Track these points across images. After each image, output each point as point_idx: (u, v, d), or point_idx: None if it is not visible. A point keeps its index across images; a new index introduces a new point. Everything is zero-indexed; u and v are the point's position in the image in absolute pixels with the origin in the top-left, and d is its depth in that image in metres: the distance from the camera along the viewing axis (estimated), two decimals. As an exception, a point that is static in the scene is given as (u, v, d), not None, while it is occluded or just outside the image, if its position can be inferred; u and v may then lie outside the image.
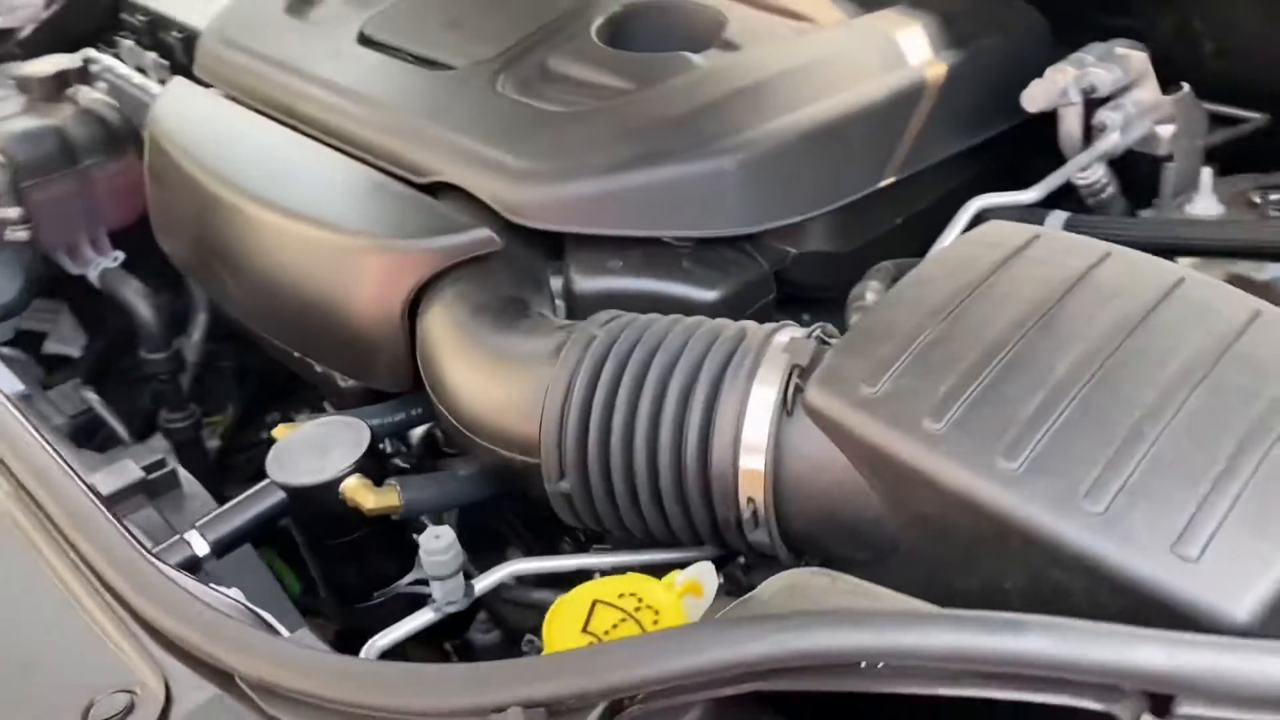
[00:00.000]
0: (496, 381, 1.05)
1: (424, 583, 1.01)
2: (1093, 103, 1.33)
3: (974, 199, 1.25)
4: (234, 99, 1.50)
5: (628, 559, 1.07)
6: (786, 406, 0.90)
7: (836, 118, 1.23)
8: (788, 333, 0.96)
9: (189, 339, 1.77)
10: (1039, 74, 1.45)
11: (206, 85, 1.56)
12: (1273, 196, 1.27)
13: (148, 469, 1.26)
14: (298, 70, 1.46)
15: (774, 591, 0.78)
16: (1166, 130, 1.34)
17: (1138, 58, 1.33)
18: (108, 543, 0.90)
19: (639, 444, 0.95)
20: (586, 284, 1.18)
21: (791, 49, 1.32)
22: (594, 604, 0.82)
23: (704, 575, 0.86)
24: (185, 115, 1.49)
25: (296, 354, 1.33)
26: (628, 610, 0.81)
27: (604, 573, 1.06)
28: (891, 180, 1.28)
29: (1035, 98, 1.31)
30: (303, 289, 1.23)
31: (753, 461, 0.91)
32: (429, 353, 1.13)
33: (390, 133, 1.31)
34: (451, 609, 1.00)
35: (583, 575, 1.04)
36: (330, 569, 1.16)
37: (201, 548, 1.04)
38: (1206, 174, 1.27)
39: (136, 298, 1.69)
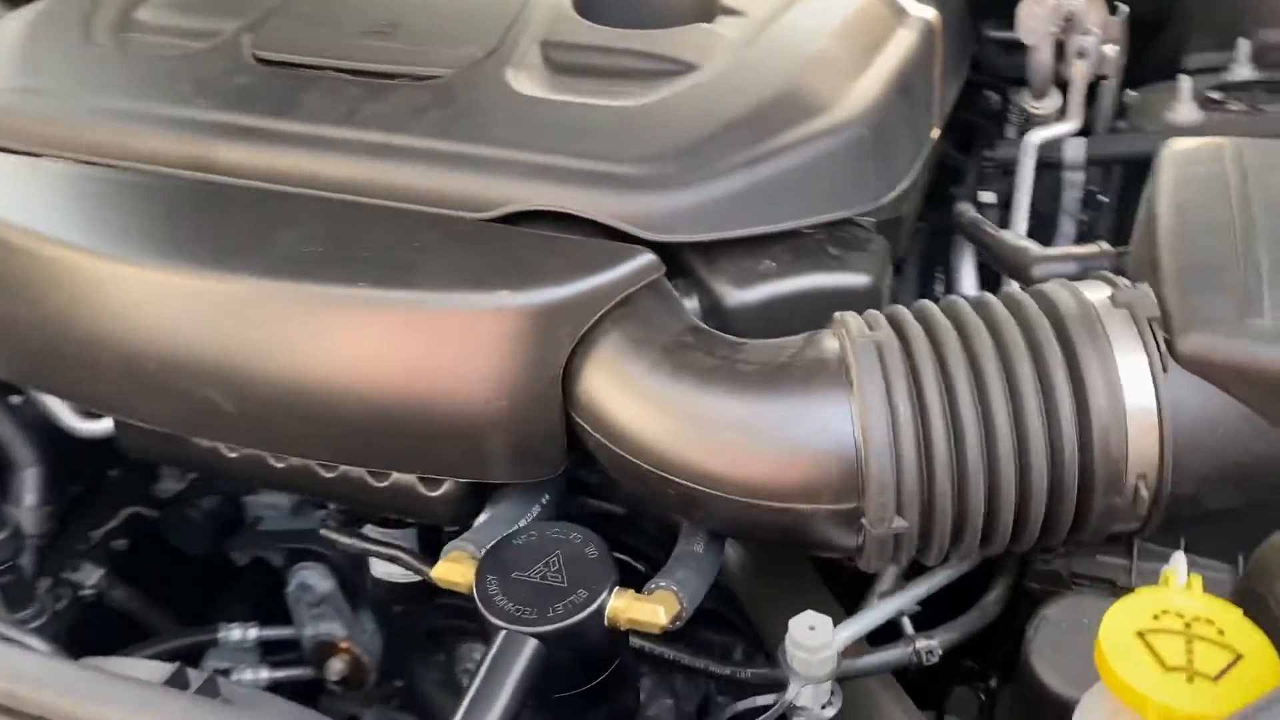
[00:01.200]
0: (757, 430, 0.85)
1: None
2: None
3: (1032, 133, 1.23)
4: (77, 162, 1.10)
5: (921, 589, 0.93)
6: (1161, 363, 0.82)
7: (902, 72, 1.14)
8: (1093, 290, 0.87)
9: (19, 505, 1.29)
10: (969, 17, 1.47)
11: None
12: (1216, 95, 1.36)
13: (172, 682, 0.92)
14: (191, 110, 1.10)
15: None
16: (1111, 50, 1.40)
17: (1090, -19, 1.37)
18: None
19: (1003, 451, 0.81)
20: (742, 295, 0.99)
21: (805, 10, 1.21)
22: (1137, 635, 0.68)
23: (1184, 565, 0.75)
24: (42, 198, 1.06)
25: (332, 471, 1.01)
26: (1180, 630, 0.69)
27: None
28: (938, 131, 1.23)
29: (1033, 30, 1.31)
30: (384, 382, 0.93)
31: (1144, 433, 0.81)
32: (616, 417, 0.89)
33: (405, 163, 1.02)
34: (828, 714, 0.80)
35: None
36: (573, 723, 0.89)
37: (478, 750, 0.74)
38: (1186, 83, 1.33)
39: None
